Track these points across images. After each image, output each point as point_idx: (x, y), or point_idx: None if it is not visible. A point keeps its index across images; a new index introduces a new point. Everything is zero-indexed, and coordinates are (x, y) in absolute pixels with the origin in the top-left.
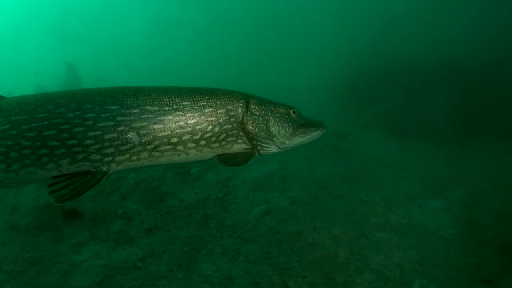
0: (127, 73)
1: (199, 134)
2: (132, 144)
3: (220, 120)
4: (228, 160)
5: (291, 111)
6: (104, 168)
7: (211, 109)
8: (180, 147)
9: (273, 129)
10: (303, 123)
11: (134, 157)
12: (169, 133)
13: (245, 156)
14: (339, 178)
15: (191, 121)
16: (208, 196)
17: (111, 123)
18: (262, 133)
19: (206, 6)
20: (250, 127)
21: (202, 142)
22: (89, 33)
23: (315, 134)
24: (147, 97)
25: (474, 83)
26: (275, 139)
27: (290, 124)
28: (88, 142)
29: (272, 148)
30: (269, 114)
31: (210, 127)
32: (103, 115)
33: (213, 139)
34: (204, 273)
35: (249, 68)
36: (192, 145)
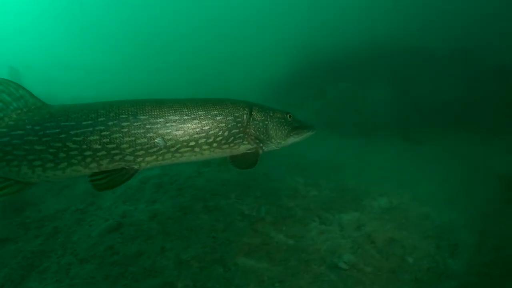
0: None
1: (212, 138)
2: (158, 148)
3: (229, 126)
4: (240, 164)
5: (287, 116)
6: (136, 167)
7: (221, 117)
8: (196, 149)
9: (271, 132)
10: (297, 126)
11: (160, 158)
12: (188, 138)
13: (253, 157)
14: (229, 185)
15: (206, 128)
16: (68, 207)
17: (142, 130)
18: (262, 136)
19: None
20: (252, 131)
21: (215, 145)
22: (31, 37)
23: (307, 135)
24: (170, 108)
25: (420, 73)
26: (273, 140)
27: (285, 127)
28: (124, 146)
29: (271, 147)
30: (268, 119)
31: (221, 132)
32: (135, 124)
33: (223, 141)
34: None
35: (188, 70)
36: (206, 147)
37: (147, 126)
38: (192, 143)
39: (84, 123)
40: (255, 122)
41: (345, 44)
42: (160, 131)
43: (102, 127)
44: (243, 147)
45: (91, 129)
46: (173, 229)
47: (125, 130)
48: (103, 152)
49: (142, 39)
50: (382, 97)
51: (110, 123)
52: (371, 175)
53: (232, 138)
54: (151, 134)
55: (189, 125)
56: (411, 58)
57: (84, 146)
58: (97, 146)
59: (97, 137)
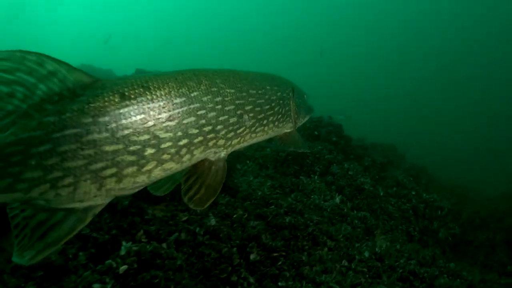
0: None
1: (276, 115)
2: (244, 127)
3: (285, 103)
4: (292, 144)
5: (305, 96)
6: (223, 154)
7: (280, 93)
8: (266, 128)
9: (301, 110)
10: (309, 106)
11: (242, 140)
12: (263, 115)
13: (297, 137)
14: None
15: (273, 104)
16: None
17: (233, 106)
18: (297, 115)
19: None
20: (295, 108)
21: (276, 123)
22: None
23: (309, 116)
24: (246, 81)
25: None
26: (298, 120)
27: (305, 106)
28: (219, 127)
29: (292, 128)
30: (300, 99)
31: (281, 109)
32: (226, 99)
33: (282, 119)
34: None
35: None
36: (271, 125)
37: (237, 102)
38: (265, 122)
39: (176, 101)
40: (296, 100)
41: None
42: (246, 107)
43: (198, 105)
44: (289, 126)
45: (186, 108)
46: None
47: (219, 107)
48: (200, 138)
49: None
50: None
51: (204, 98)
52: None
53: (285, 116)
54: (240, 111)
55: (263, 101)
56: None
57: (180, 133)
58: (194, 131)
59: (194, 119)
